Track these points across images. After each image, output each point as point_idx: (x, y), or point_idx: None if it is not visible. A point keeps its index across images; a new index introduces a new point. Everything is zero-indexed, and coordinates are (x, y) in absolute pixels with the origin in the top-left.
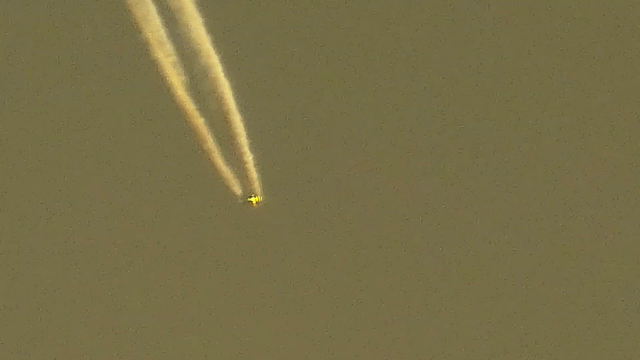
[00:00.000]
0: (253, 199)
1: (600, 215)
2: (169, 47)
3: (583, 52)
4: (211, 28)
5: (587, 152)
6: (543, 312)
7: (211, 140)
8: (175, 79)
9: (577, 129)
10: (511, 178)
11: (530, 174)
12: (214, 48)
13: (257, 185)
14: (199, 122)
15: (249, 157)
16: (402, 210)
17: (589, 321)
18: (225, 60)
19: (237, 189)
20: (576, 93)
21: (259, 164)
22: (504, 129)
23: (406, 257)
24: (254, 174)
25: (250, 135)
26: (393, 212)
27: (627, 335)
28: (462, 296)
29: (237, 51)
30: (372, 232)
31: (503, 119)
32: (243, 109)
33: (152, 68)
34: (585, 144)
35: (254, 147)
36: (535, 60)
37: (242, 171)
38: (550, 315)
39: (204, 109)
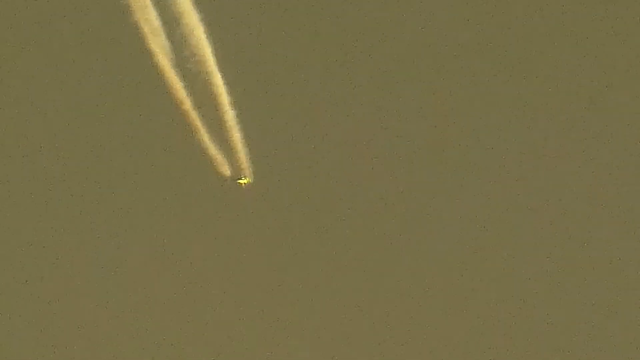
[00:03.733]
0: (242, 181)
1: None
2: (151, 11)
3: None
4: None
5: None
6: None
7: (196, 115)
8: (157, 45)
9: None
10: (510, 179)
11: (532, 175)
12: (197, 12)
13: (243, 160)
14: (181, 88)
15: (235, 130)
16: (396, 197)
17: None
18: (209, 25)
19: (225, 166)
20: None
21: (246, 138)
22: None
23: (399, 245)
24: (240, 148)
25: (238, 112)
26: (387, 199)
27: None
28: (458, 289)
29: (222, 18)
30: (364, 218)
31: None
32: (229, 80)
33: (134, 33)
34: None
35: (241, 121)
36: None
37: (228, 145)
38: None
39: (187, 76)
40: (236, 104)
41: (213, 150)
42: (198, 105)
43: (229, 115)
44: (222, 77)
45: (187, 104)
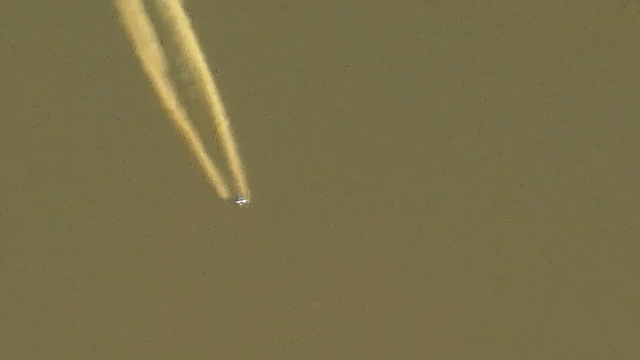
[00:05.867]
0: (240, 201)
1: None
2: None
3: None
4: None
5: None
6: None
7: (188, 125)
8: (148, 53)
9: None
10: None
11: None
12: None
13: (240, 178)
14: (172, 97)
15: (230, 142)
16: (401, 213)
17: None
18: (201, 31)
19: (220, 184)
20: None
21: (241, 151)
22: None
23: (405, 265)
24: (235, 163)
25: (232, 123)
26: (393, 214)
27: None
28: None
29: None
30: (365, 234)
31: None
32: (222, 89)
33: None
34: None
35: (236, 133)
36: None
37: (223, 159)
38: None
39: (179, 85)
40: (230, 113)
41: (207, 165)
42: (190, 116)
43: (223, 126)
44: (216, 86)
45: (179, 114)
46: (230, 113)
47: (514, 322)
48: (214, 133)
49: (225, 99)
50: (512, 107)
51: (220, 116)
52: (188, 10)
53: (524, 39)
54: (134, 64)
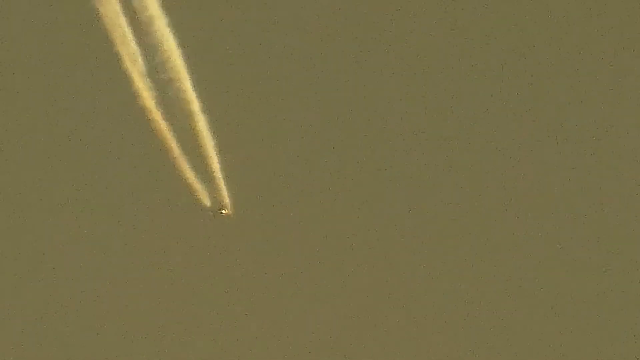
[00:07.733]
0: (223, 211)
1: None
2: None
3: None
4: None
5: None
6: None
7: (166, 126)
8: (127, 52)
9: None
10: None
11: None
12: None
13: (222, 187)
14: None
15: (209, 140)
16: (388, 226)
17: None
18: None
19: (203, 193)
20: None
21: (220, 151)
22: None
23: (388, 266)
24: (216, 168)
25: (210, 121)
26: (374, 220)
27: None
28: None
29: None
30: (348, 241)
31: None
32: (200, 89)
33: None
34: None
35: (213, 131)
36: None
37: (202, 162)
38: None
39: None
40: (209, 111)
41: (186, 167)
42: (169, 114)
43: (202, 123)
44: (194, 84)
45: (157, 112)
46: (209, 111)
47: (514, 323)
48: (193, 131)
49: (203, 97)
50: (512, 107)
51: (199, 114)
52: (166, 9)
53: (524, 39)
54: (113, 63)
